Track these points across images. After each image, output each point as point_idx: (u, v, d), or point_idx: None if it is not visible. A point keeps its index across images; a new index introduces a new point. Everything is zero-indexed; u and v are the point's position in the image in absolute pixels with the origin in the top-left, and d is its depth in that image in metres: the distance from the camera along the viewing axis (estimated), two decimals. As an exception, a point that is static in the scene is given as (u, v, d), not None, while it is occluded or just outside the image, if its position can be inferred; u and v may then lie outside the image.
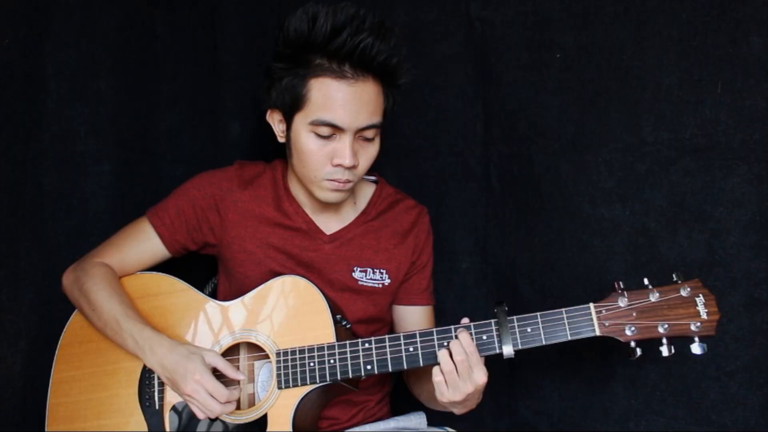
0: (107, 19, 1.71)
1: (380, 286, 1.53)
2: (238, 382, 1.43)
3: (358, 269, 1.52)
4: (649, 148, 1.50)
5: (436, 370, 1.29)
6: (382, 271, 1.53)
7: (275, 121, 1.46)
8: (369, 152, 1.42)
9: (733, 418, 1.45)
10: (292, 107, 1.38)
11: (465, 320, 1.32)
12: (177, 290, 1.50)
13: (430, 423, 1.61)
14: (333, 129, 1.35)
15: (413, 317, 1.59)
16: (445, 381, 1.28)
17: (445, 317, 1.69)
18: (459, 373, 1.27)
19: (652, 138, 1.50)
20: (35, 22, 1.58)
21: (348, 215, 1.55)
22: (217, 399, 1.33)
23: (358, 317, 1.51)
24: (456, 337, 1.30)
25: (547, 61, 1.61)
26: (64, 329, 1.52)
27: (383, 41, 1.33)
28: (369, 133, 1.39)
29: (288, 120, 1.41)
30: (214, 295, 1.61)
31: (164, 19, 1.84)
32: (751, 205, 1.42)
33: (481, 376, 1.27)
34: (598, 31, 1.54)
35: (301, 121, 1.38)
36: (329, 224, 1.53)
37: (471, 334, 1.30)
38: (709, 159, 1.44)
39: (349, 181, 1.40)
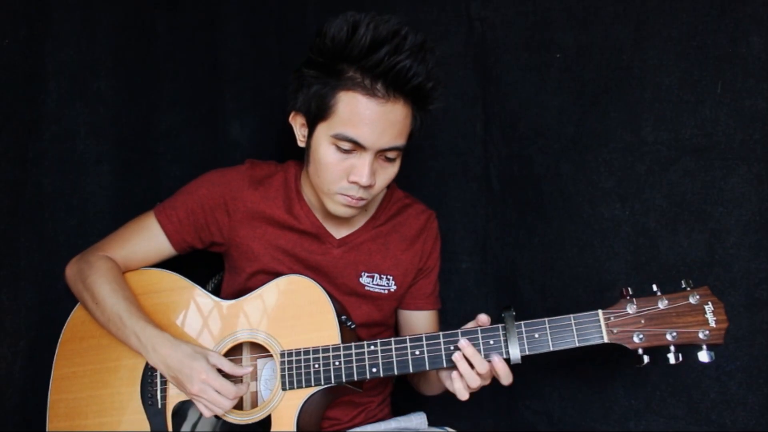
0: (107, 19, 1.71)
1: (386, 292, 1.52)
2: (242, 379, 1.43)
3: (366, 275, 1.51)
4: (649, 148, 1.50)
5: (457, 384, 1.30)
6: (389, 277, 1.52)
7: (298, 124, 1.42)
8: (388, 173, 1.39)
9: (733, 418, 1.45)
10: (317, 115, 1.34)
11: (481, 319, 1.32)
12: (180, 287, 1.50)
13: (430, 423, 1.61)
14: (355, 145, 1.31)
15: (418, 321, 1.59)
16: (467, 386, 1.30)
17: (445, 317, 1.70)
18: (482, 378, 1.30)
19: (652, 138, 1.50)
20: (35, 22, 1.58)
21: (358, 220, 1.54)
22: (226, 396, 1.33)
23: (362, 321, 1.51)
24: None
25: (547, 61, 1.61)
26: (65, 325, 1.52)
27: (421, 63, 1.28)
28: (391, 154, 1.36)
29: (311, 127, 1.38)
30: (216, 292, 1.61)
31: (164, 19, 1.84)
32: (751, 205, 1.41)
33: (490, 379, 1.31)
34: (598, 31, 1.54)
35: (323, 131, 1.34)
36: (339, 229, 1.52)
37: (478, 338, 1.30)
38: (709, 159, 1.44)
39: (362, 199, 1.37)
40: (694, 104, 1.45)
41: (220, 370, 1.36)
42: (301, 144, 1.43)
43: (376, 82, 1.28)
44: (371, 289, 1.51)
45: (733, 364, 1.45)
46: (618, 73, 1.53)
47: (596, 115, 1.56)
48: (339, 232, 1.52)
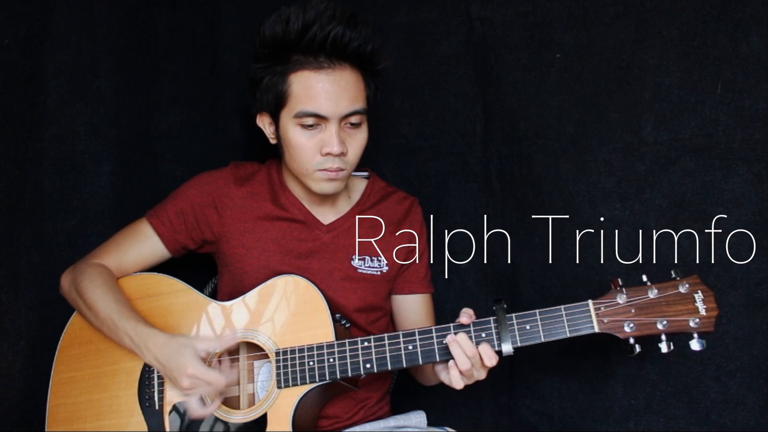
0: (107, 19, 1.70)
1: (379, 273, 1.55)
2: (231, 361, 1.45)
3: (357, 257, 1.54)
4: (649, 148, 1.50)
5: (452, 372, 1.30)
6: (380, 258, 1.55)
7: (265, 124, 1.50)
8: (357, 139, 1.44)
9: (733, 418, 1.45)
10: (276, 105, 1.43)
11: (463, 317, 1.32)
12: (176, 291, 1.50)
13: (430, 423, 1.61)
14: (317, 119, 1.39)
15: (413, 305, 1.61)
16: (461, 374, 1.31)
17: (445, 317, 1.69)
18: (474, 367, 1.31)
19: (652, 138, 1.50)
20: (35, 22, 1.58)
21: (343, 207, 1.58)
22: (216, 386, 1.33)
23: (358, 306, 1.53)
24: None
25: (547, 61, 1.61)
26: (64, 331, 1.52)
27: (354, 29, 1.37)
28: (354, 119, 1.42)
29: (275, 119, 1.45)
30: (213, 295, 1.61)
31: (164, 19, 1.84)
32: (751, 205, 1.42)
33: (486, 372, 1.32)
34: (598, 31, 1.54)
35: (286, 116, 1.42)
36: (326, 215, 1.56)
37: (470, 332, 1.31)
38: (709, 159, 1.44)
39: (341, 169, 1.42)
40: (694, 104, 1.45)
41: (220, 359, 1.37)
42: (273, 141, 1.51)
43: (319, 56, 1.38)
44: (364, 272, 1.54)
45: (733, 364, 1.45)
46: (618, 73, 1.53)
47: (596, 115, 1.56)
48: (326, 218, 1.56)
